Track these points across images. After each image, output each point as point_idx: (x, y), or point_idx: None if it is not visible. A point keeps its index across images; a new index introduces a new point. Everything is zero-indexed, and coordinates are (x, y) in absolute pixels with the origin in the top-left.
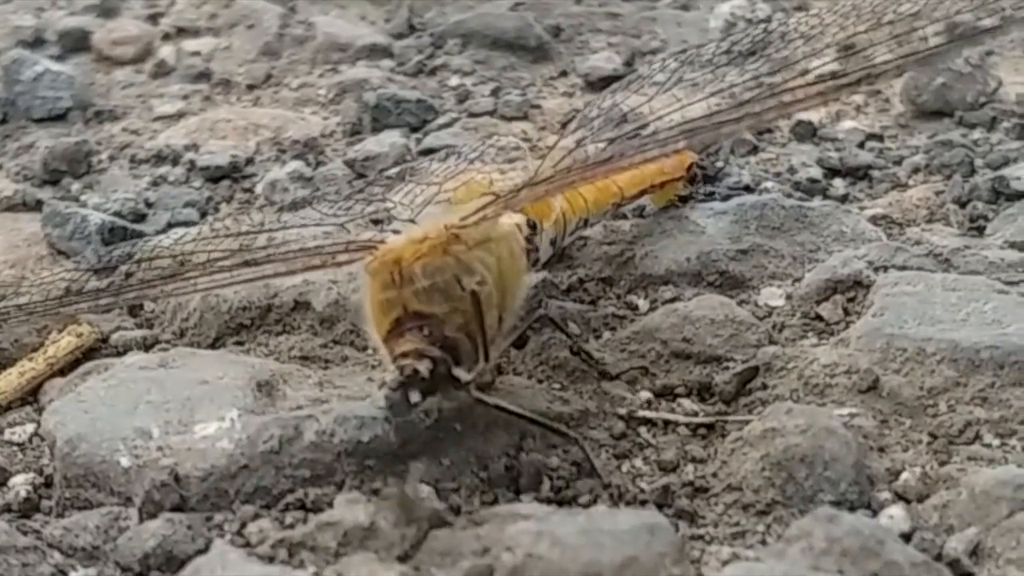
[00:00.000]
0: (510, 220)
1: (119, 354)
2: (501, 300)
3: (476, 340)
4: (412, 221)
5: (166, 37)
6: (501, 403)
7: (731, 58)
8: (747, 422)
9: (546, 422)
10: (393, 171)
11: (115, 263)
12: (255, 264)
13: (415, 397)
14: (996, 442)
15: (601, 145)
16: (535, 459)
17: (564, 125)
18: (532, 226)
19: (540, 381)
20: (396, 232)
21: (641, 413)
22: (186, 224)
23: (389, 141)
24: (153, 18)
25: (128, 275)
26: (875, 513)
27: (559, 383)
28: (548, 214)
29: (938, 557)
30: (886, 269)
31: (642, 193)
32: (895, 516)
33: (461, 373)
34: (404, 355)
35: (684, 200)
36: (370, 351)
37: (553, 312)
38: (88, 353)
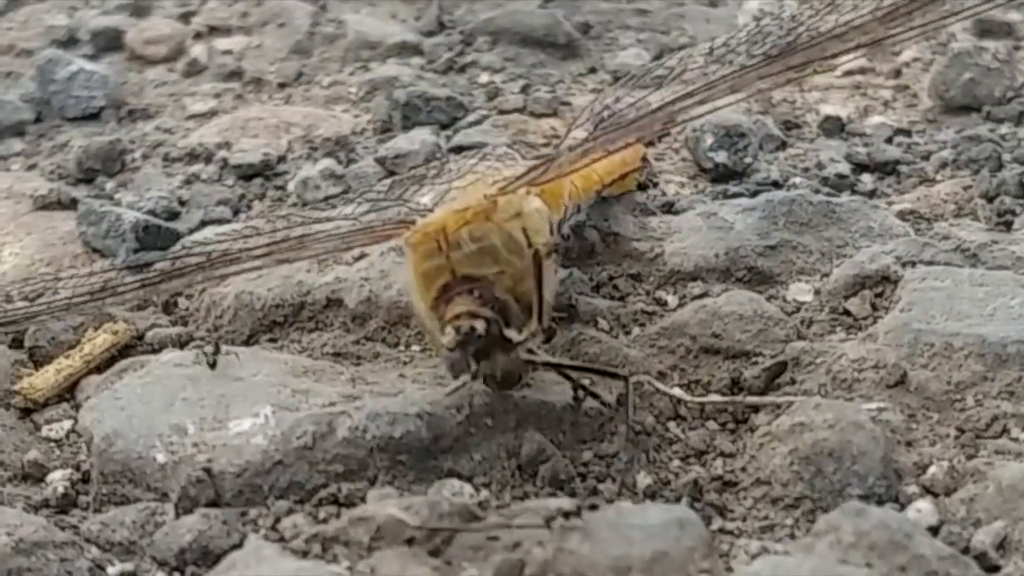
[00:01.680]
0: (535, 203)
1: (154, 351)
2: None
3: (525, 301)
4: (430, 210)
5: (198, 36)
6: (550, 359)
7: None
8: (777, 406)
9: (598, 367)
10: (415, 171)
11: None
12: (290, 251)
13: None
14: (1023, 436)
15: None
16: (566, 454)
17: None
18: (564, 237)
19: None
20: (423, 216)
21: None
22: (219, 222)
23: (420, 139)
24: (185, 17)
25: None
26: (903, 507)
27: (588, 378)
28: (558, 202)
29: (965, 550)
30: (914, 264)
31: (613, 181)
32: (923, 510)
33: (512, 334)
34: (457, 316)
35: (643, 188)
36: (402, 348)
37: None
38: (124, 350)
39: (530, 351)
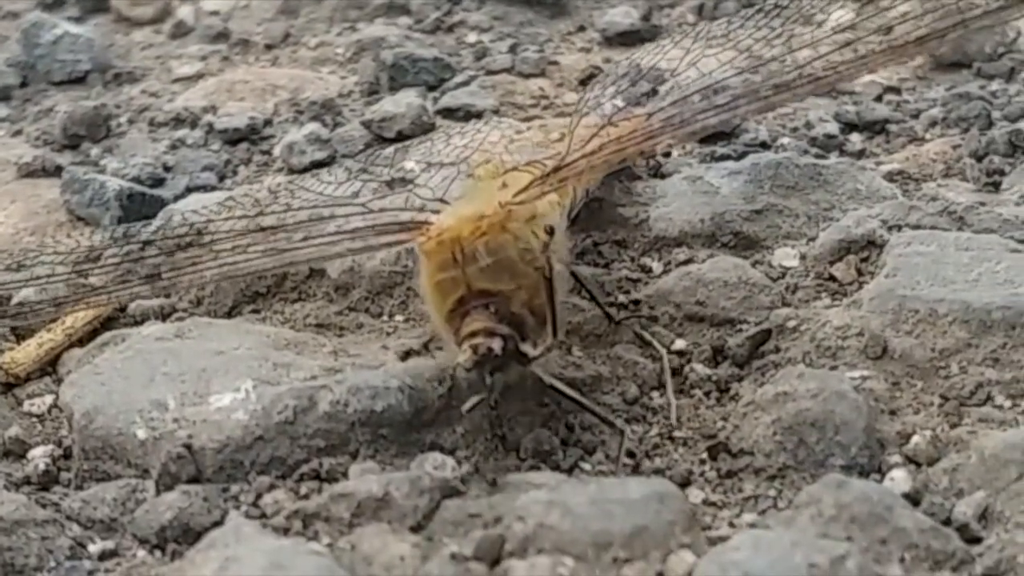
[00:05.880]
0: (549, 196)
1: (137, 323)
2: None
3: (541, 314)
4: (442, 200)
5: None
6: (557, 384)
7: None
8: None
9: (597, 410)
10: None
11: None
12: (290, 250)
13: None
14: (1007, 403)
15: (641, 116)
16: (549, 424)
17: (583, 83)
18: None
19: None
20: (435, 212)
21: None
22: (204, 188)
23: (406, 101)
24: None
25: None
26: (885, 477)
27: (572, 347)
28: (569, 190)
29: (947, 522)
30: (900, 228)
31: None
32: (904, 480)
33: (528, 349)
34: (473, 334)
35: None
36: (385, 318)
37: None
38: (106, 323)
39: (543, 368)
